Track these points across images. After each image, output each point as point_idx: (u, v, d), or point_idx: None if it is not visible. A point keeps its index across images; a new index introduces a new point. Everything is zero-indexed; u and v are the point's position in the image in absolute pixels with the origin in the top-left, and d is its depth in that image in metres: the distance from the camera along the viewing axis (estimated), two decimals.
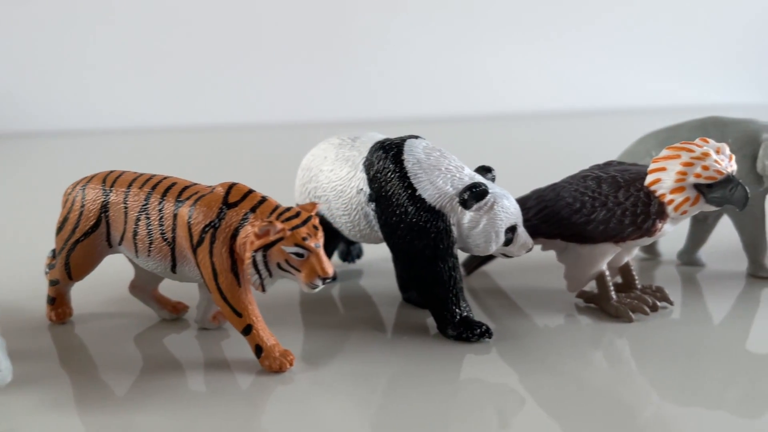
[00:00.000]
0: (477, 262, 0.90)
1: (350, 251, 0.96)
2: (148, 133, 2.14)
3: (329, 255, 0.90)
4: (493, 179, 0.77)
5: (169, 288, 0.82)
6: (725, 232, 0.94)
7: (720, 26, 2.70)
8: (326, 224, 0.81)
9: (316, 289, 0.64)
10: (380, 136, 0.80)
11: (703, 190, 0.72)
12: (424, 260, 0.73)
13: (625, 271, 0.82)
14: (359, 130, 0.85)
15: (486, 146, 1.93)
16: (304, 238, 0.62)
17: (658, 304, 0.80)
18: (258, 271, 0.64)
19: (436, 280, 0.73)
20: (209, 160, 1.78)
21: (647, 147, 0.91)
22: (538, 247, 0.83)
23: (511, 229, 0.73)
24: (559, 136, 2.17)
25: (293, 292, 0.87)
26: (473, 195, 0.70)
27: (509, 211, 0.72)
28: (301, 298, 0.87)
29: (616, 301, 0.78)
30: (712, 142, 0.74)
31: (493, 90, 2.45)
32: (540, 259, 0.88)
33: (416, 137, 0.77)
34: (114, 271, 0.84)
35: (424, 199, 0.72)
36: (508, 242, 0.73)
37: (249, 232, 0.64)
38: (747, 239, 0.89)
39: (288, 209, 0.65)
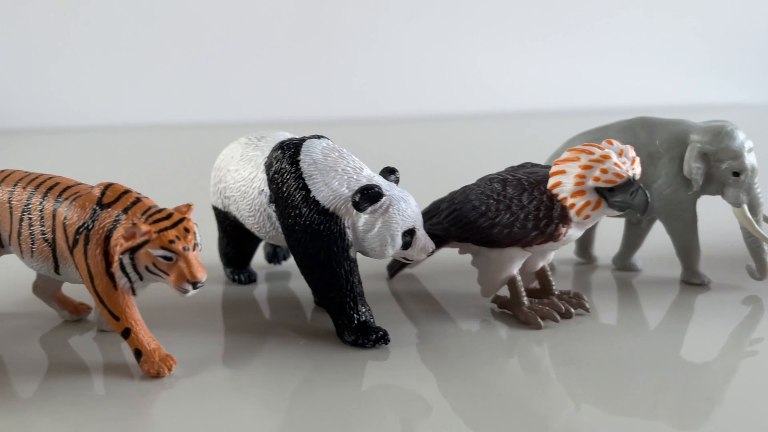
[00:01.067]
0: (399, 264, 0.88)
1: (276, 252, 0.94)
2: (132, 131, 2.14)
3: (248, 256, 0.88)
4: (396, 181, 0.75)
5: (76, 289, 0.81)
6: (665, 236, 0.91)
7: (712, 26, 2.66)
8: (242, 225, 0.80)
9: (188, 294, 0.62)
10: (286, 136, 0.78)
11: (604, 193, 0.70)
12: (319, 264, 0.71)
13: (541, 275, 0.80)
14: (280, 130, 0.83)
15: (474, 145, 1.91)
16: (171, 241, 0.61)
17: (572, 310, 0.78)
18: (126, 274, 0.63)
19: (332, 284, 0.71)
20: (193, 157, 1.77)
21: None
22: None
23: (409, 233, 0.70)
24: (548, 135, 2.13)
25: (216, 294, 0.87)
26: (366, 197, 0.68)
27: (406, 214, 0.70)
28: (224, 300, 0.86)
29: (528, 308, 0.76)
30: (616, 144, 0.71)
31: (481, 89, 2.43)
32: (467, 262, 0.86)
33: (319, 137, 0.75)
34: (22, 271, 0.83)
35: (317, 201, 0.70)
36: (406, 246, 0.71)
37: (119, 234, 0.62)
38: (679, 245, 0.87)
39: (160, 210, 0.63)
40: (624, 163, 0.69)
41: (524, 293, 0.77)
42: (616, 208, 0.70)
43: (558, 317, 0.76)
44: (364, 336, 0.70)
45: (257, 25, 2.32)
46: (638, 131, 0.85)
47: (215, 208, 0.84)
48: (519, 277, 0.77)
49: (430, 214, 0.81)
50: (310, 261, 0.71)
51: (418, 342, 0.74)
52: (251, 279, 0.88)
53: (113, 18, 2.24)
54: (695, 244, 0.86)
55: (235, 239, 0.85)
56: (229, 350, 0.73)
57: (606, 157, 0.69)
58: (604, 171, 0.69)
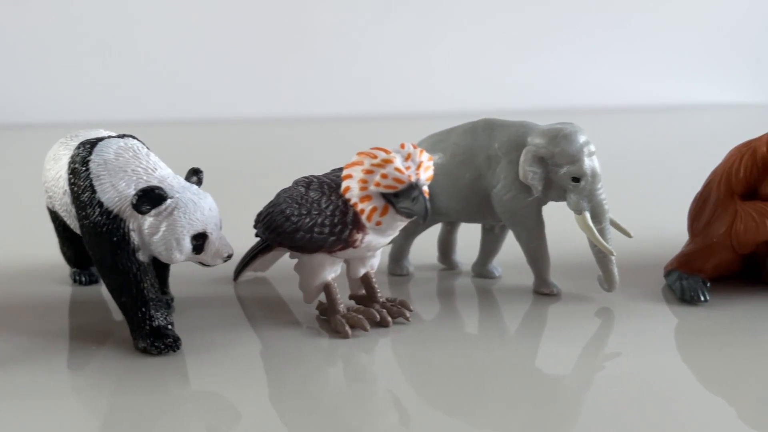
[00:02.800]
0: (241, 266, 0.86)
1: None
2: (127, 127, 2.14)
3: (88, 256, 0.87)
4: (198, 182, 0.72)
5: None
6: None
7: (705, 25, 2.61)
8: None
9: None
10: (100, 134, 0.76)
11: (391, 199, 0.67)
12: (107, 267, 0.69)
13: (365, 282, 0.77)
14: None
15: None
16: None
17: (389, 319, 0.75)
18: None
19: (121, 289, 0.69)
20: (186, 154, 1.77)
21: None
22: None
23: (200, 237, 0.68)
24: None
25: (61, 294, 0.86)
26: (145, 199, 0.66)
27: (194, 218, 0.67)
28: (71, 300, 0.85)
29: (342, 315, 0.73)
30: (408, 147, 0.68)
31: (461, 87, 2.39)
32: None
33: (123, 136, 0.73)
34: None
35: (102, 203, 0.68)
36: (198, 250, 0.69)
37: None
38: (525, 252, 0.83)
39: None
40: (408, 168, 0.66)
41: (339, 300, 0.74)
42: (403, 215, 0.67)
43: (368, 326, 0.73)
44: (153, 343, 0.68)
45: (239, 22, 2.31)
46: (479, 133, 0.82)
47: (47, 207, 0.83)
48: (334, 284, 0.74)
49: (257, 218, 0.79)
50: (100, 264, 0.70)
51: (239, 350, 0.71)
52: (92, 280, 0.86)
53: (103, 15, 2.25)
54: (542, 252, 0.82)
55: (67, 239, 0.83)
56: (46, 350, 0.71)
57: (387, 162, 0.66)
58: (384, 176, 0.66)
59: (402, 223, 0.69)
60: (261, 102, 2.24)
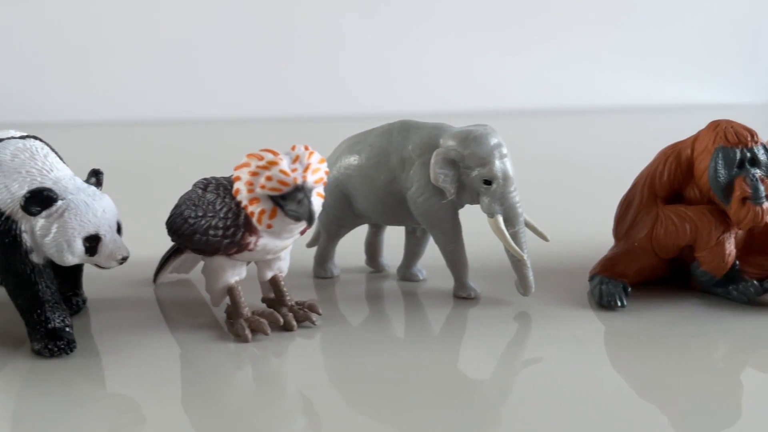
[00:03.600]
0: (157, 269, 0.85)
1: None
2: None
3: None
4: (97, 184, 0.72)
5: None
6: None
7: (699, 25, 2.58)
8: None
9: None
10: (9, 134, 0.76)
11: (279, 201, 0.66)
12: (1, 269, 0.69)
13: (273, 285, 0.76)
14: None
15: None
16: None
17: (294, 323, 0.74)
18: None
19: (16, 291, 0.69)
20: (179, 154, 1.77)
21: (338, 153, 0.85)
22: None
23: (93, 239, 0.68)
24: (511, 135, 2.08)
25: None
26: (33, 200, 0.66)
27: (85, 219, 0.67)
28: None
29: (245, 319, 0.72)
30: (298, 148, 0.67)
31: (447, 88, 2.38)
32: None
33: (26, 137, 0.73)
34: None
35: None
36: (92, 252, 0.68)
37: None
38: (444, 256, 0.82)
39: None
40: (294, 170, 0.65)
41: (244, 304, 0.73)
42: (292, 218, 0.66)
43: (268, 331, 0.72)
44: (47, 345, 0.68)
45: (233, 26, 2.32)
46: (395, 135, 0.81)
47: None
48: (238, 287, 0.74)
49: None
50: None
51: (156, 350, 0.71)
52: None
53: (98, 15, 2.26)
54: (459, 255, 0.81)
55: None
56: None
57: (273, 164, 0.65)
58: (269, 178, 0.65)
59: (297, 227, 0.69)
60: (241, 102, 2.24)
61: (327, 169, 0.69)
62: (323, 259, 0.89)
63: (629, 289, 0.81)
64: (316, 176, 0.66)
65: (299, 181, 0.65)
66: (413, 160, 0.79)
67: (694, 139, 0.81)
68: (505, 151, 0.76)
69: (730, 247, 0.78)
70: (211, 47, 2.31)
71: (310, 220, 0.65)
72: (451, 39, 2.42)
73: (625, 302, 0.79)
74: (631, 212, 0.83)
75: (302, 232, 0.72)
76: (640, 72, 2.58)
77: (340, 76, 2.37)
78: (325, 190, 0.84)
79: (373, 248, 0.90)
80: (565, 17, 2.53)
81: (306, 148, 0.67)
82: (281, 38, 2.34)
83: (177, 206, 0.74)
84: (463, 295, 0.81)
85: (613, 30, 2.56)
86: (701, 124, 0.82)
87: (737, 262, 0.80)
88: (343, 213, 0.84)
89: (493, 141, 0.76)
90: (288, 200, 0.65)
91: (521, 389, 0.66)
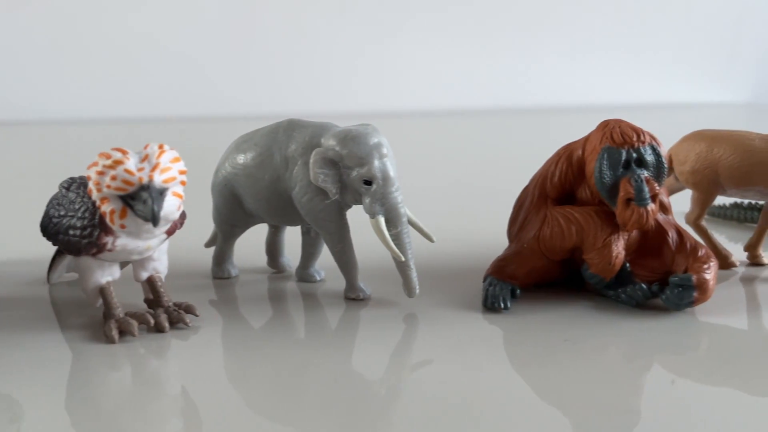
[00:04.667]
0: (49, 267, 0.85)
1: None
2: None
3: None
4: None
5: None
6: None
7: (680, 24, 2.57)
8: None
9: None
10: None
11: (128, 201, 0.65)
12: None
13: (150, 286, 0.75)
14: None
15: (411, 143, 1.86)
16: None
17: (165, 325, 0.73)
18: None
19: None
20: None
21: (227, 152, 0.84)
22: None
23: None
24: (480, 133, 2.08)
25: None
26: None
27: None
28: None
29: (116, 320, 0.72)
30: (150, 147, 0.66)
31: (419, 86, 2.37)
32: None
33: None
34: None
35: None
36: None
37: None
38: (333, 256, 0.81)
39: None
40: (141, 169, 0.65)
41: (116, 304, 0.73)
42: (142, 218, 0.65)
43: (136, 332, 0.71)
44: None
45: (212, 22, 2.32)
46: (280, 134, 0.80)
47: None
48: (110, 287, 0.73)
49: None
50: None
51: (39, 350, 0.70)
52: None
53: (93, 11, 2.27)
54: (347, 256, 0.80)
55: None
56: None
57: (118, 163, 0.65)
58: (114, 177, 0.64)
59: (159, 227, 0.68)
60: (210, 101, 2.24)
61: (183, 168, 0.68)
62: (220, 259, 0.88)
63: (518, 292, 0.80)
64: (165, 176, 0.65)
65: (144, 181, 0.64)
66: (296, 160, 0.78)
67: (586, 140, 0.80)
68: (385, 151, 0.75)
69: (618, 249, 0.77)
70: (182, 45, 2.31)
71: (153, 221, 0.64)
72: (424, 38, 2.41)
73: (508, 305, 0.77)
74: (522, 213, 0.82)
75: (168, 233, 0.71)
76: (620, 71, 2.56)
77: (314, 74, 2.36)
78: (215, 189, 0.84)
79: (273, 248, 0.89)
80: (540, 16, 2.51)
81: (160, 147, 0.66)
82: (253, 37, 2.34)
83: (47, 205, 0.74)
84: (351, 296, 0.81)
85: (595, 29, 2.54)
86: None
87: (628, 265, 0.78)
88: (233, 213, 0.84)
89: (373, 141, 0.75)
90: (135, 200, 0.65)
91: (411, 392, 0.65)
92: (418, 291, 0.78)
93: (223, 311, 0.81)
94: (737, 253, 0.93)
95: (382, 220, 0.76)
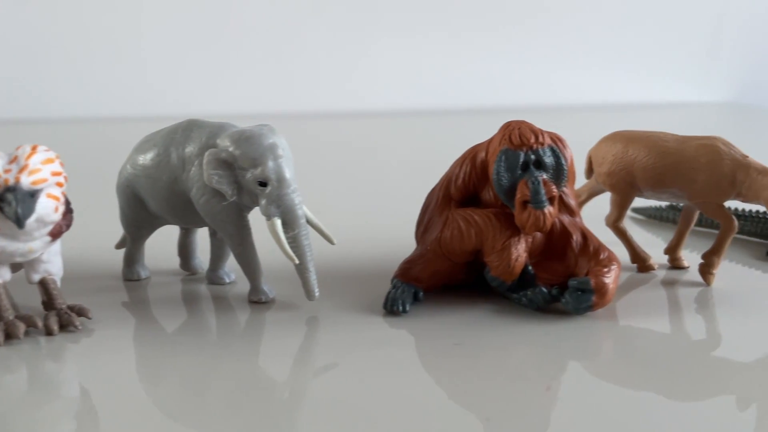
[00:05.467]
0: None
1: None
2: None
3: None
4: None
5: None
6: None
7: (660, 23, 2.55)
8: None
9: None
10: None
11: None
12: None
13: (43, 288, 0.75)
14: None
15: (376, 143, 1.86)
16: None
17: (54, 327, 0.72)
18: None
19: None
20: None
21: (131, 152, 0.83)
22: None
23: None
24: (449, 133, 2.06)
25: None
26: None
27: None
28: None
29: (4, 322, 0.71)
30: (22, 148, 0.66)
31: (381, 86, 2.36)
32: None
33: None
34: None
35: None
36: None
37: None
38: (236, 260, 0.80)
39: None
40: (8, 170, 0.64)
41: (6, 306, 0.72)
42: (10, 219, 0.65)
43: (21, 335, 0.71)
44: None
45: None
46: (179, 134, 0.79)
47: None
48: (2, 289, 0.72)
49: None
50: None
51: None
52: None
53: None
54: (248, 258, 0.79)
55: None
56: None
57: None
58: None
59: (33, 228, 0.67)
60: (189, 99, 2.23)
61: (58, 170, 0.67)
62: (130, 261, 0.87)
63: (420, 294, 0.79)
64: (34, 177, 0.64)
65: (10, 183, 0.64)
66: (192, 161, 0.77)
67: (489, 142, 0.79)
68: (281, 152, 0.74)
69: (518, 251, 0.76)
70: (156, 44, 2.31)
71: (18, 223, 0.64)
72: (405, 36, 2.40)
73: (407, 308, 0.77)
74: (427, 215, 0.81)
75: (53, 235, 0.70)
76: (599, 70, 2.55)
77: (289, 72, 2.36)
78: (118, 190, 0.83)
79: (185, 250, 0.89)
80: (519, 16, 2.50)
81: (32, 148, 0.66)
82: (221, 35, 2.33)
83: None
84: (254, 299, 0.80)
85: (574, 29, 2.53)
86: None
87: (529, 267, 0.77)
88: (137, 214, 0.83)
89: (268, 141, 0.74)
90: (3, 202, 0.64)
91: (317, 395, 0.64)
92: (317, 293, 0.77)
93: (134, 313, 0.81)
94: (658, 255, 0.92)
95: (278, 222, 0.75)
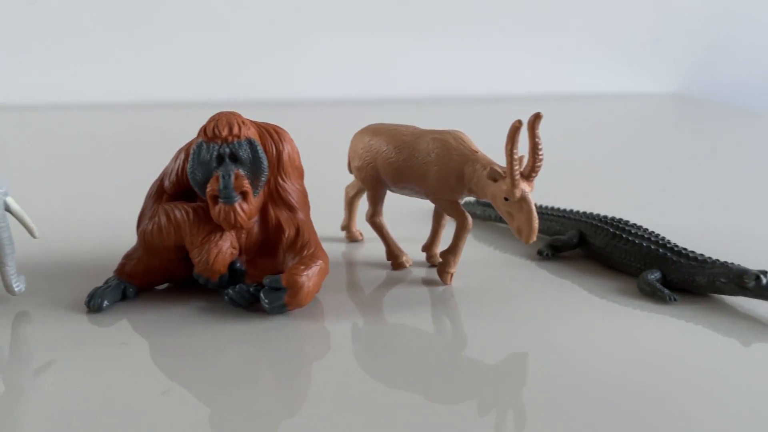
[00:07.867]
0: None
1: None
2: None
3: None
4: None
5: None
6: None
7: (604, 15, 2.51)
8: None
9: None
10: None
11: None
12: None
13: None
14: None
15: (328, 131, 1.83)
16: None
17: None
18: None
19: None
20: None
21: None
22: None
23: None
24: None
25: None
26: None
27: None
28: None
29: None
30: None
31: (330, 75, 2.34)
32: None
33: None
34: None
35: None
36: None
37: None
38: None
39: None
40: None
41: None
42: None
43: None
44: None
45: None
46: None
47: None
48: None
49: None
50: None
51: None
52: None
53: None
54: None
55: None
56: None
57: None
58: None
59: None
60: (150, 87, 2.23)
61: None
62: None
63: (131, 290, 0.77)
64: None
65: None
66: None
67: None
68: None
69: (219, 248, 0.73)
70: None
71: None
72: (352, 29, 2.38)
73: (104, 305, 0.74)
74: (148, 208, 0.79)
75: None
76: (545, 60, 2.51)
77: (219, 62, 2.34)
78: None
79: None
80: (466, 6, 2.47)
81: None
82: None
83: None
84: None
85: (519, 19, 2.49)
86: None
87: (239, 264, 0.75)
88: None
89: None
90: None
91: (220, 399, 0.62)
92: (19, 288, 0.75)
93: None
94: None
95: None
